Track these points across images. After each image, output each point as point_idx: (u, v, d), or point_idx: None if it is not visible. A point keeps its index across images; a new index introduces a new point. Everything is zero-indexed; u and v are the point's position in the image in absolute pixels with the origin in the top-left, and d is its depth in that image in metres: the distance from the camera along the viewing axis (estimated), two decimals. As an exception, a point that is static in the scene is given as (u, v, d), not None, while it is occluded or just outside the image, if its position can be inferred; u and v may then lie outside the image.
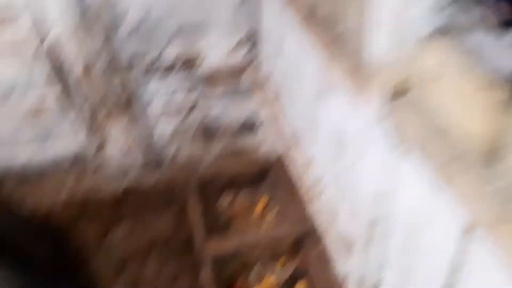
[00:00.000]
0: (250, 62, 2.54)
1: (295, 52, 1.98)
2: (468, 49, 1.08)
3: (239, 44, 2.47)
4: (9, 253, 1.96)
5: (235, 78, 2.56)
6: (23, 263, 1.96)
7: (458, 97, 1.07)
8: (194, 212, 2.39)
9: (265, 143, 2.73)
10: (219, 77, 2.54)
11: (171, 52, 2.40)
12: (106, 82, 2.35)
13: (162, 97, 2.52)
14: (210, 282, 2.07)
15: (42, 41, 2.16)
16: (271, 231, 2.27)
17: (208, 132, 2.69)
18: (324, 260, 2.14)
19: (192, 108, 2.60)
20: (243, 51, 2.50)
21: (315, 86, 1.82)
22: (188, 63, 2.46)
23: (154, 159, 2.72)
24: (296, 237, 2.27)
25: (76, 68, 2.27)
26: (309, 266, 2.25)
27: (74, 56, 2.23)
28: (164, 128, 2.63)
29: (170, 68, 2.44)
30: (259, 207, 2.62)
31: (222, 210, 2.61)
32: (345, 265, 1.86)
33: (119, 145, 2.60)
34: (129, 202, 2.67)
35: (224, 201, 2.66)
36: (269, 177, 2.69)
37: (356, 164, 1.60)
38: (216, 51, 2.45)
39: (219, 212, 2.60)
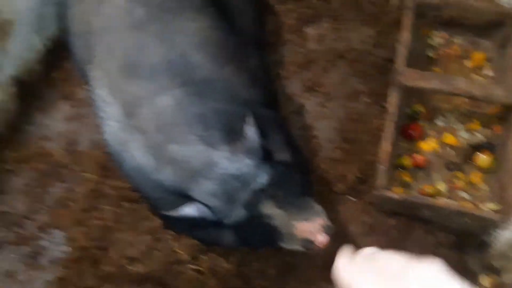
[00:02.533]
0: None
1: None
2: None
3: None
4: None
5: None
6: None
7: None
8: (401, 35, 2.08)
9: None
10: None
11: None
12: None
13: None
14: (393, 109, 1.86)
15: None
16: (480, 87, 1.90)
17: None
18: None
19: None
20: None
21: None
22: None
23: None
24: (507, 105, 1.88)
25: None
26: (506, 143, 1.89)
27: None
28: None
29: None
30: (474, 60, 2.20)
31: (431, 46, 2.25)
32: None
33: None
34: (334, 2, 2.44)
35: (437, 38, 2.27)
36: (499, 32, 2.19)
37: None
38: None
39: (427, 46, 2.25)
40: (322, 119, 2.15)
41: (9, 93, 2.18)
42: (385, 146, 1.81)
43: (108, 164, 2.03)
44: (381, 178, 1.76)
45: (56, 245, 1.88)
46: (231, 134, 1.65)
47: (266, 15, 2.45)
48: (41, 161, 2.09)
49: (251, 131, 1.58)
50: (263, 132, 1.64)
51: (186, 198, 1.65)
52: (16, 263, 1.84)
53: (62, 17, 2.17)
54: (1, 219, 1.94)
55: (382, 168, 1.77)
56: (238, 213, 1.61)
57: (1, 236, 1.90)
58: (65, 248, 1.86)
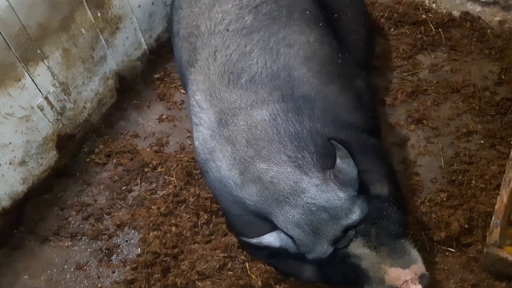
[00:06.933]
0: None
1: None
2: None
3: None
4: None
5: None
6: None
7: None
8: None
9: None
10: None
11: None
12: None
13: None
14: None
15: None
16: None
17: None
18: None
19: None
20: None
21: None
22: None
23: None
24: None
25: None
26: None
27: None
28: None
29: None
30: None
31: None
32: None
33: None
34: (455, 32, 2.23)
35: None
36: None
37: None
38: None
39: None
40: (426, 156, 1.93)
41: (109, 87, 2.21)
42: (503, 198, 1.56)
43: (193, 170, 1.96)
44: (494, 233, 1.51)
45: (130, 245, 1.83)
46: (326, 159, 1.50)
47: (377, 37, 2.29)
48: (128, 158, 2.07)
49: (346, 161, 1.42)
50: (362, 161, 1.48)
51: (267, 221, 1.53)
52: (89, 257, 1.81)
53: (170, 19, 2.18)
54: (82, 210, 1.94)
55: (496, 222, 1.53)
56: (322, 249, 1.46)
57: (79, 227, 1.89)
58: (138, 251, 1.81)
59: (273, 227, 1.51)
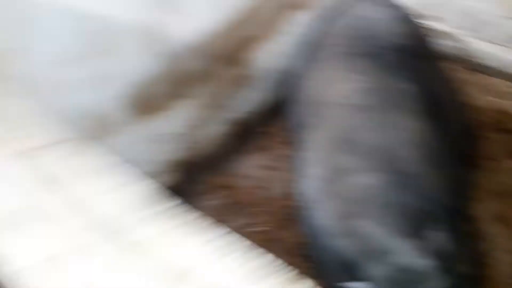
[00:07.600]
0: None
1: None
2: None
3: None
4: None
5: None
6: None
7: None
8: None
9: None
10: None
11: None
12: None
13: None
14: None
15: None
16: None
17: None
18: None
19: None
20: None
21: None
22: None
23: None
24: None
25: None
26: None
27: None
28: None
29: None
30: None
31: None
32: None
33: None
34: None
35: None
36: None
37: None
38: None
39: None
40: (506, 253, 2.05)
41: (226, 132, 2.53)
42: None
43: (290, 217, 2.15)
44: None
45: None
46: (420, 231, 1.68)
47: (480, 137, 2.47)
48: (227, 194, 2.33)
49: (441, 233, 1.60)
50: (453, 239, 1.66)
51: (353, 274, 1.71)
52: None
53: (287, 84, 2.51)
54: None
55: None
56: None
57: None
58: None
59: (358, 279, 1.68)
